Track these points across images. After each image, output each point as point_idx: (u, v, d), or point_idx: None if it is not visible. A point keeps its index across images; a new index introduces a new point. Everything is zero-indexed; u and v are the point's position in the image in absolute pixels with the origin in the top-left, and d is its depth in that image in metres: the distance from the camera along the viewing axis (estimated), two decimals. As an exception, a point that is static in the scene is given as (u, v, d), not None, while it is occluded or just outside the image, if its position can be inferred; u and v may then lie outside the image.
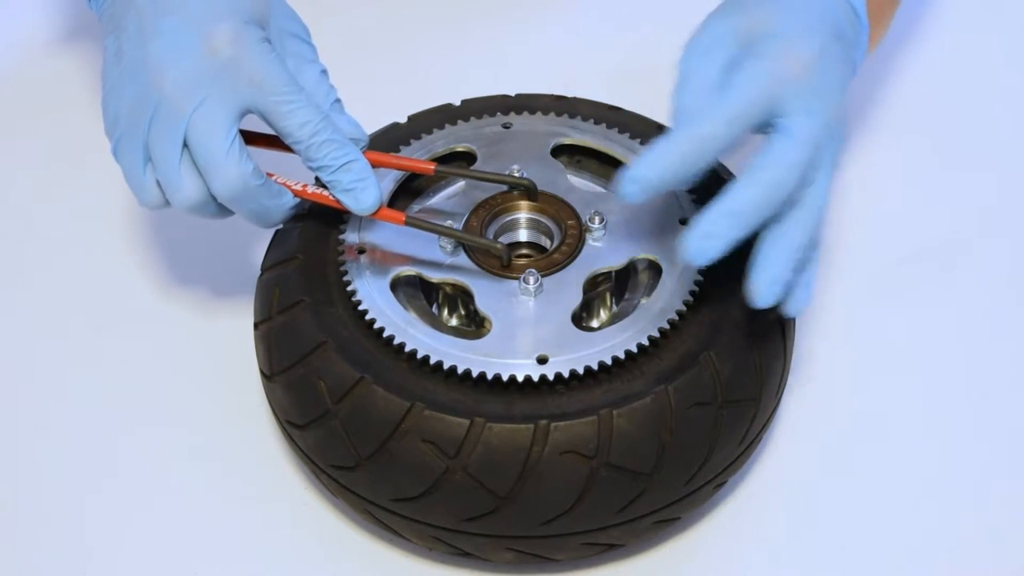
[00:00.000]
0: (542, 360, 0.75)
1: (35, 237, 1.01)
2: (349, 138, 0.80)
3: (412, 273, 0.80)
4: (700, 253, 0.71)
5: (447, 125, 0.88)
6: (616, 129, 0.88)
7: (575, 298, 0.79)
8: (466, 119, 0.88)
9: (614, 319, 0.80)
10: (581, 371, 0.74)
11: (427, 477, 0.73)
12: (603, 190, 0.87)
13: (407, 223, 0.80)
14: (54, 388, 0.91)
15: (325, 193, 0.80)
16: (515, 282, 0.79)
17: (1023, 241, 0.99)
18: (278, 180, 0.81)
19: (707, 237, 0.71)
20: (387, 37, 1.14)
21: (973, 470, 0.86)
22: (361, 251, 0.80)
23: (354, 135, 0.81)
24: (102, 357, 0.93)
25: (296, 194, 0.81)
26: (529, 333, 0.77)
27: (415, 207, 0.87)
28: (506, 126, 0.88)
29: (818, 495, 0.85)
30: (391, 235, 0.82)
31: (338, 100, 0.81)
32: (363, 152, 0.81)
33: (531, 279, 0.79)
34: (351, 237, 0.81)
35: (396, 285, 0.79)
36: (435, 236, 0.81)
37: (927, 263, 0.97)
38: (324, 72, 0.81)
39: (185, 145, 0.76)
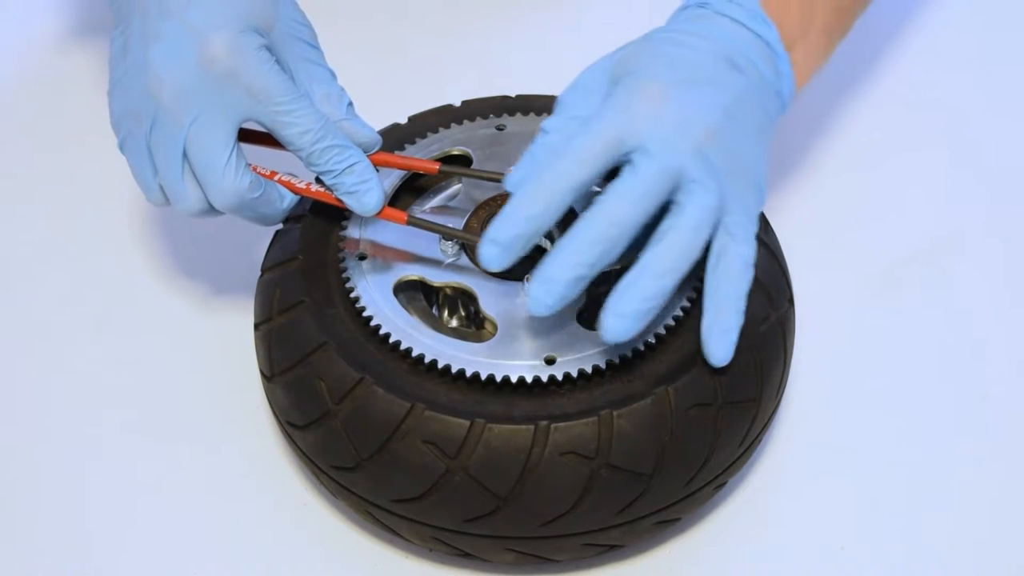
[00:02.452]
0: (550, 361, 0.75)
1: (35, 237, 1.01)
2: (362, 142, 0.80)
3: (415, 277, 0.80)
4: (538, 302, 0.72)
5: (441, 128, 0.88)
6: None
7: (579, 298, 0.79)
8: (466, 120, 0.88)
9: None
10: (584, 372, 0.74)
11: (427, 478, 0.73)
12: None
13: (409, 222, 0.80)
14: (54, 388, 0.91)
15: (329, 192, 0.80)
16: (518, 284, 0.79)
17: (1019, 242, 0.99)
18: (281, 179, 0.81)
19: (547, 282, 0.72)
20: (388, 38, 1.14)
21: (972, 470, 0.86)
22: (362, 257, 0.80)
23: (367, 138, 0.81)
24: (102, 357, 0.93)
25: (299, 192, 0.81)
26: (535, 334, 0.77)
27: (415, 208, 0.87)
28: (500, 128, 0.88)
29: (818, 495, 0.85)
30: (392, 238, 0.82)
31: (350, 103, 0.81)
32: (375, 153, 0.81)
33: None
34: (352, 242, 0.81)
35: (398, 289, 0.79)
36: (436, 239, 0.81)
37: (926, 264, 0.97)
38: (333, 76, 0.81)
39: (185, 155, 0.76)
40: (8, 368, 0.93)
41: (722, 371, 0.75)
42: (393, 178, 0.85)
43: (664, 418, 0.74)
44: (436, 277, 0.80)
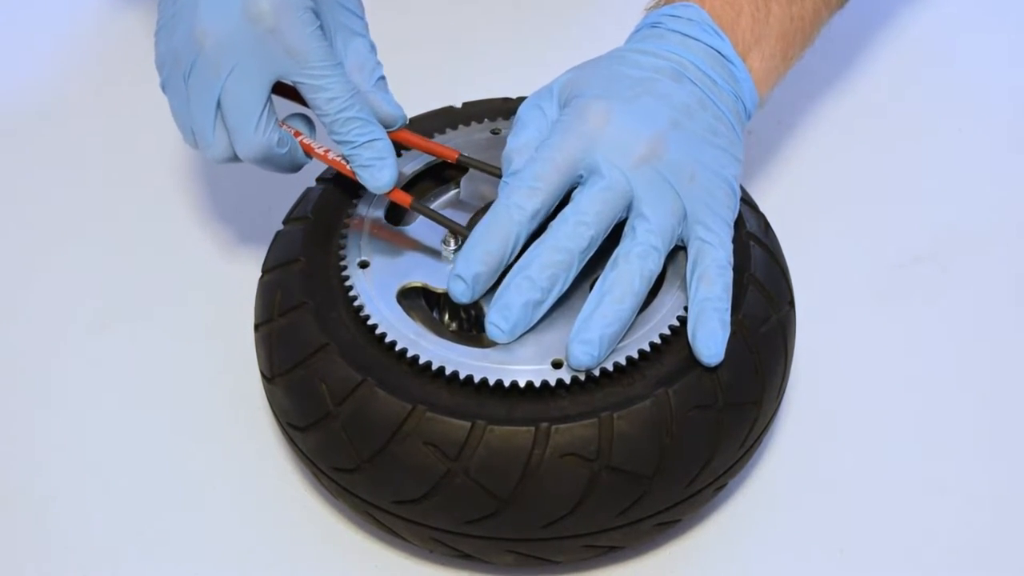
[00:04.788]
0: (557, 364, 0.75)
1: (35, 237, 1.01)
2: (386, 116, 0.82)
3: (418, 284, 0.80)
4: (495, 328, 0.75)
5: (436, 134, 0.87)
6: None
7: (583, 300, 0.79)
8: (467, 122, 0.88)
9: None
10: (582, 376, 0.74)
11: (428, 479, 0.73)
12: None
13: (412, 207, 0.81)
14: (54, 388, 0.91)
15: (344, 162, 0.81)
16: None
17: (1022, 243, 0.99)
18: (302, 141, 0.82)
19: (503, 308, 0.75)
20: (390, 38, 1.14)
21: (972, 471, 0.86)
22: (364, 265, 0.80)
23: (393, 114, 0.82)
24: (102, 357, 0.93)
25: (316, 156, 0.82)
26: (542, 337, 0.77)
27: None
28: (495, 132, 0.88)
29: (818, 497, 0.85)
30: (393, 246, 0.81)
31: (382, 77, 0.82)
32: (399, 130, 0.83)
33: None
34: (353, 249, 0.81)
35: (401, 296, 0.79)
36: (438, 244, 0.81)
37: (926, 266, 0.97)
38: (372, 48, 0.83)
39: (219, 104, 0.78)
40: (8, 368, 0.93)
41: (722, 373, 0.75)
42: (417, 163, 0.86)
43: (665, 420, 0.74)
44: (438, 283, 0.80)
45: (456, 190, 0.86)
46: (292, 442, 0.79)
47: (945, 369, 0.91)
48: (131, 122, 1.09)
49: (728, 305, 0.76)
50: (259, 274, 0.83)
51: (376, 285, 0.79)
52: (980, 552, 0.83)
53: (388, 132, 0.82)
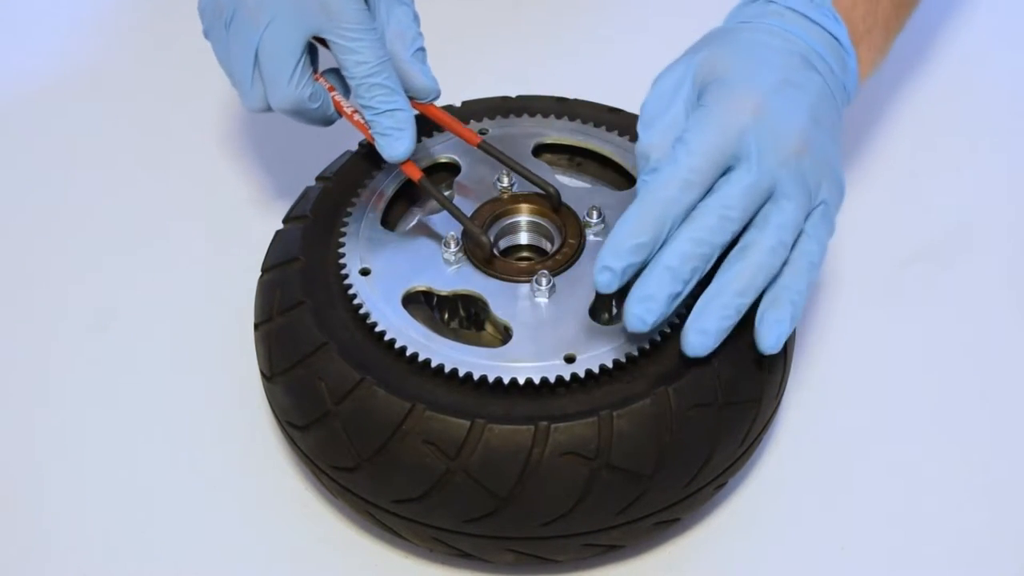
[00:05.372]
0: (570, 359, 0.75)
1: (35, 237, 1.01)
2: (418, 87, 0.83)
3: (422, 288, 0.80)
4: (639, 320, 0.73)
5: (435, 132, 0.88)
6: (616, 131, 0.88)
7: (589, 294, 0.79)
8: (465, 120, 0.88)
9: (619, 317, 0.80)
10: (581, 373, 0.74)
11: (428, 478, 0.73)
12: (589, 185, 0.87)
13: (420, 184, 0.82)
14: (53, 389, 0.91)
15: (366, 127, 0.82)
16: (527, 285, 0.79)
17: (1022, 241, 0.99)
18: (335, 98, 0.83)
19: (646, 300, 0.73)
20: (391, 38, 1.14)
21: (973, 470, 0.86)
22: (365, 272, 0.80)
23: (427, 86, 0.83)
24: (103, 357, 0.93)
25: (344, 115, 0.83)
26: (552, 334, 0.77)
27: (415, 209, 0.87)
28: (483, 132, 0.88)
29: (818, 495, 0.85)
30: (393, 251, 0.81)
31: (421, 49, 0.83)
32: (428, 104, 0.84)
33: (543, 280, 0.79)
34: (353, 257, 0.81)
35: (406, 301, 0.79)
36: (439, 249, 0.81)
37: (926, 264, 0.97)
38: (416, 18, 0.83)
39: (257, 56, 0.79)
40: (9, 368, 0.93)
41: (722, 371, 0.75)
42: (449, 144, 0.87)
43: (664, 418, 0.74)
44: (443, 286, 0.80)
45: (447, 192, 0.87)
46: (292, 441, 0.79)
47: (945, 367, 0.91)
48: (131, 122, 1.09)
49: (804, 303, 0.75)
50: (259, 273, 0.83)
51: (380, 292, 0.79)
52: (980, 550, 0.82)
53: (417, 104, 0.83)
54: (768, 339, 0.74)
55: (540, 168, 0.86)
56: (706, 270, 0.74)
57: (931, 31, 1.14)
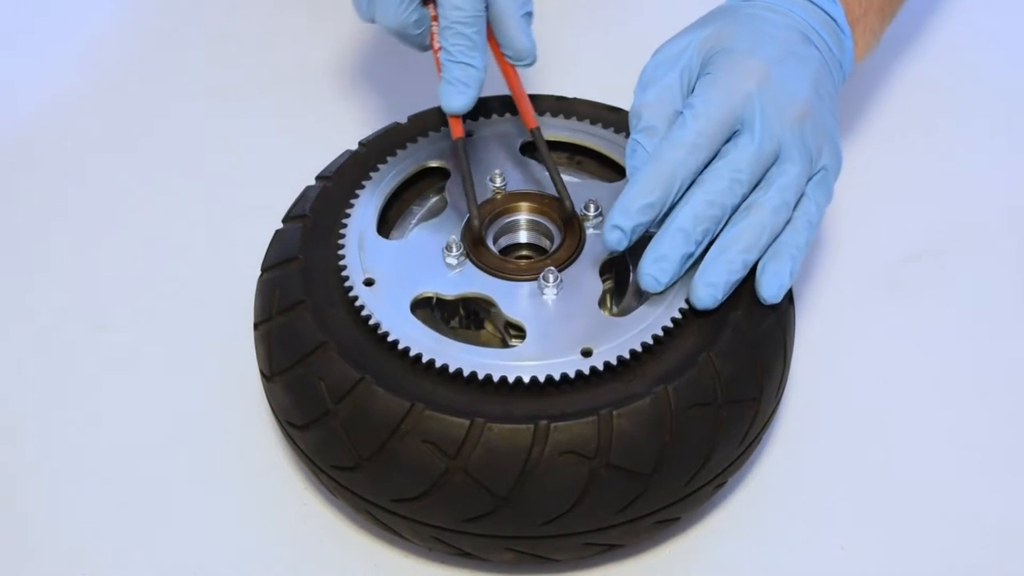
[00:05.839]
0: (587, 353, 0.75)
1: (35, 237, 1.01)
2: (516, 48, 0.84)
3: (429, 294, 0.80)
4: (654, 280, 0.77)
5: (409, 144, 0.87)
6: (612, 129, 0.88)
7: (596, 286, 0.79)
8: (464, 120, 0.88)
9: (621, 314, 0.80)
10: (582, 373, 0.74)
11: (427, 477, 0.73)
12: (580, 180, 0.87)
13: (455, 145, 0.83)
14: (53, 388, 0.91)
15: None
16: (533, 283, 0.79)
17: (1021, 241, 0.99)
18: (433, 28, 0.84)
19: (660, 260, 0.76)
20: (390, 38, 1.14)
21: (973, 470, 0.86)
22: (370, 283, 0.80)
23: (524, 47, 0.84)
24: (103, 357, 0.93)
25: (431, 45, 0.84)
26: (565, 329, 0.77)
27: (416, 208, 0.87)
28: (469, 133, 0.88)
29: (818, 495, 0.85)
30: (393, 259, 0.81)
31: (530, 13, 0.84)
32: (509, 66, 0.85)
33: (551, 277, 0.79)
34: (356, 271, 0.80)
35: (413, 307, 0.79)
36: (439, 253, 0.81)
37: (926, 263, 0.97)
38: None
39: None
40: (9, 368, 0.93)
41: (722, 370, 0.75)
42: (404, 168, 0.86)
43: (664, 417, 0.73)
44: (448, 290, 0.80)
45: (436, 198, 0.87)
46: (291, 440, 0.79)
47: (944, 365, 0.91)
48: (131, 123, 1.09)
49: (802, 258, 0.78)
50: (259, 273, 0.83)
51: (388, 302, 0.78)
52: (979, 550, 0.82)
53: (506, 65, 0.84)
54: (770, 289, 0.77)
55: (527, 166, 0.86)
56: (717, 231, 0.77)
57: (931, 30, 1.14)
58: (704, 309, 0.77)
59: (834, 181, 0.81)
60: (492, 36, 0.84)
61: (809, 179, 0.79)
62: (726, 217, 0.77)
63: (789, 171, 0.78)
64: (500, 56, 0.85)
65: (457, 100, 0.83)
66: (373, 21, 0.84)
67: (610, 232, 0.77)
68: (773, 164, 0.78)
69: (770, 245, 0.78)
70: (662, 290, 0.77)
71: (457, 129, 0.83)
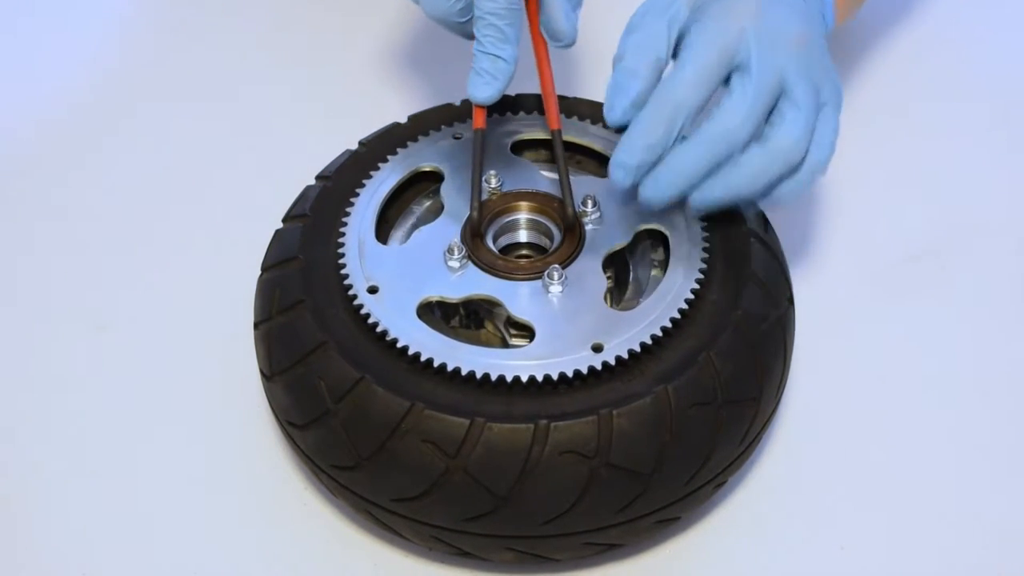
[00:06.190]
0: (597, 348, 0.75)
1: (35, 237, 1.01)
2: (559, 29, 0.83)
3: (434, 299, 0.79)
4: (653, 197, 0.78)
5: (399, 149, 0.87)
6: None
7: (601, 281, 0.79)
8: (463, 119, 0.88)
9: (636, 303, 0.80)
10: (580, 372, 0.74)
11: (427, 477, 0.73)
12: (576, 178, 0.87)
13: (475, 131, 0.83)
14: (53, 388, 0.91)
15: None
16: (537, 282, 0.79)
17: (1021, 241, 0.99)
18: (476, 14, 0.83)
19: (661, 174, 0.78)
20: (390, 38, 1.14)
21: (973, 470, 0.86)
22: (374, 291, 0.79)
23: (564, 29, 0.84)
24: (103, 357, 0.93)
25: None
26: (575, 326, 0.77)
27: (415, 206, 0.87)
28: (457, 137, 0.88)
29: (818, 495, 0.85)
30: (397, 264, 0.81)
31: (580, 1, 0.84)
32: (542, 54, 0.84)
33: (555, 274, 0.79)
34: (358, 279, 0.80)
35: (419, 313, 0.79)
36: (440, 257, 0.81)
37: (926, 263, 0.97)
38: None
39: None
40: (9, 371, 0.93)
41: (722, 369, 0.75)
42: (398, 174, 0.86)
43: (664, 417, 0.73)
44: (453, 293, 0.80)
45: (429, 202, 0.87)
46: (291, 440, 0.79)
47: (944, 365, 0.91)
48: (131, 124, 1.09)
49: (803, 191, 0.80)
50: (259, 273, 0.83)
51: (393, 309, 0.78)
52: (979, 550, 0.82)
53: (542, 53, 0.84)
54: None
55: (519, 165, 0.86)
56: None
57: (931, 30, 1.14)
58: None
59: (838, 116, 0.81)
60: (536, 20, 0.84)
61: (823, 108, 0.80)
62: (738, 145, 0.78)
63: (799, 101, 0.78)
64: (539, 42, 0.84)
65: (483, 91, 0.82)
66: (417, 2, 0.84)
67: (615, 169, 0.78)
68: (782, 97, 0.78)
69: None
70: (630, 184, 0.78)
71: (480, 119, 0.83)
